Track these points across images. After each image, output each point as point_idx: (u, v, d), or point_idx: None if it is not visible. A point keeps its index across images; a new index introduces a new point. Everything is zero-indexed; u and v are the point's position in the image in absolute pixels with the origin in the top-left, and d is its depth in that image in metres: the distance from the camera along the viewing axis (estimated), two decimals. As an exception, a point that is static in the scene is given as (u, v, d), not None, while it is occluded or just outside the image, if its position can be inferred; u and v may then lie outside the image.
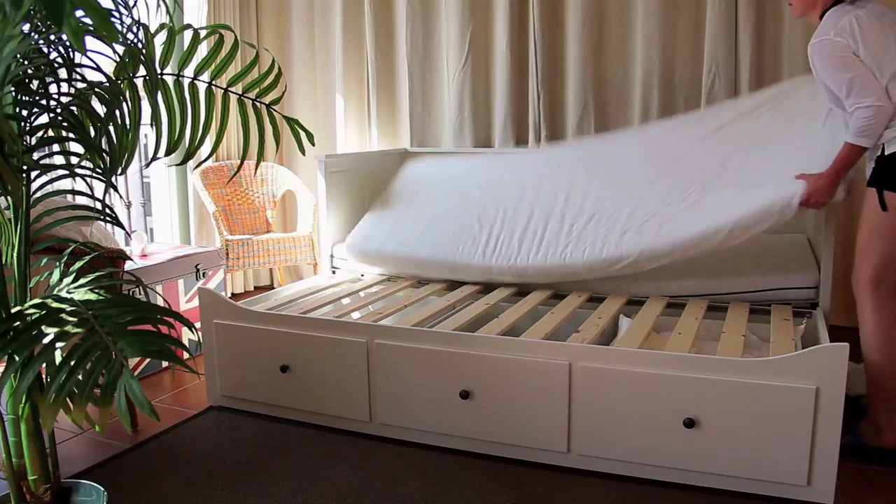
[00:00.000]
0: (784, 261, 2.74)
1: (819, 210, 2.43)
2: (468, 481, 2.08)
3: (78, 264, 1.80)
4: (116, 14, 1.68)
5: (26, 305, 1.58)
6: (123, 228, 1.89)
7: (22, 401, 1.64)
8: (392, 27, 4.07)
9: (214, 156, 4.07)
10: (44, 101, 1.65)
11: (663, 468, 2.07)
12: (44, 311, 1.51)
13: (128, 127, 1.71)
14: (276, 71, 1.96)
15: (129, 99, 1.75)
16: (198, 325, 2.74)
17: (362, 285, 3.10)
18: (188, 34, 1.92)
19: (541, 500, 1.98)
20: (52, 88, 1.67)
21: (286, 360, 2.49)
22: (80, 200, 2.68)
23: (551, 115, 3.70)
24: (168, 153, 1.84)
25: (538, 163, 3.31)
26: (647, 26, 3.42)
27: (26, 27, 1.51)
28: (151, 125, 1.77)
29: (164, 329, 1.52)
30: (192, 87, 1.88)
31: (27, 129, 1.63)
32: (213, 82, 1.91)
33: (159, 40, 1.83)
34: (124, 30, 1.69)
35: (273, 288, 4.52)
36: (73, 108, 1.67)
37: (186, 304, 3.18)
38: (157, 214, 4.17)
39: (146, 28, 1.74)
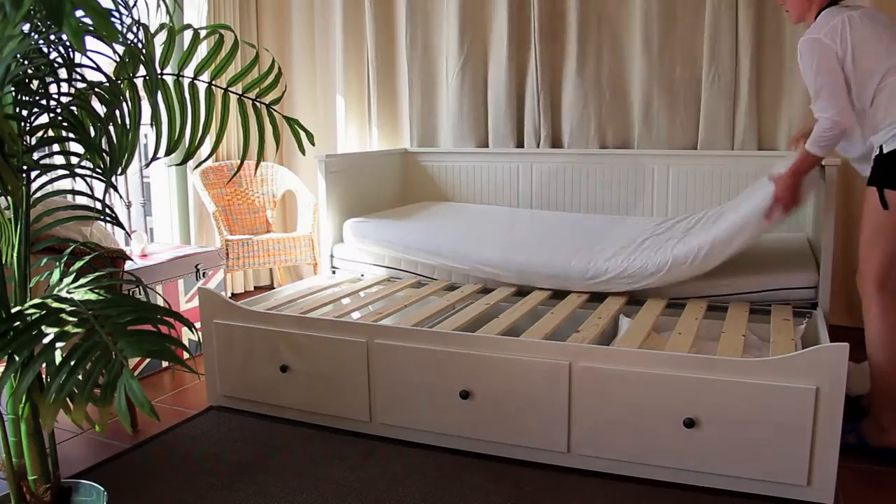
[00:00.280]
0: (784, 261, 2.74)
1: (791, 215, 2.47)
2: (468, 481, 2.08)
3: (78, 264, 1.80)
4: (116, 14, 1.68)
5: (26, 305, 1.58)
6: (123, 228, 1.89)
7: (22, 401, 1.64)
8: (392, 27, 4.07)
9: (214, 156, 4.07)
10: (44, 101, 1.65)
11: (663, 468, 2.07)
12: (44, 311, 1.51)
13: (128, 127, 1.71)
14: (276, 71, 1.96)
15: (129, 99, 1.75)
16: (198, 325, 2.75)
17: (362, 285, 3.10)
18: (188, 34, 1.92)
19: (540, 500, 1.98)
20: (53, 88, 1.67)
21: (286, 360, 2.49)
22: (80, 200, 2.68)
23: (551, 115, 3.70)
24: (168, 153, 1.84)
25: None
26: (647, 26, 3.42)
27: (26, 27, 1.51)
28: (151, 125, 1.77)
29: (164, 329, 1.52)
30: (192, 87, 1.88)
31: (27, 129, 1.63)
32: (213, 82, 1.91)
33: (159, 40, 1.83)
34: (124, 30, 1.69)
35: (273, 288, 4.52)
36: (73, 108, 1.67)
37: (186, 304, 3.18)
38: (157, 214, 4.17)
39: (146, 28, 1.74)
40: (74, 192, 1.91)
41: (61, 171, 1.75)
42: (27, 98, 1.61)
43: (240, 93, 1.94)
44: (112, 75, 1.73)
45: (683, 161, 3.45)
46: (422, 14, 3.92)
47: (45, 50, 1.64)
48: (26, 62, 1.60)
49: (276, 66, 1.97)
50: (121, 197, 3.90)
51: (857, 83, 2.14)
